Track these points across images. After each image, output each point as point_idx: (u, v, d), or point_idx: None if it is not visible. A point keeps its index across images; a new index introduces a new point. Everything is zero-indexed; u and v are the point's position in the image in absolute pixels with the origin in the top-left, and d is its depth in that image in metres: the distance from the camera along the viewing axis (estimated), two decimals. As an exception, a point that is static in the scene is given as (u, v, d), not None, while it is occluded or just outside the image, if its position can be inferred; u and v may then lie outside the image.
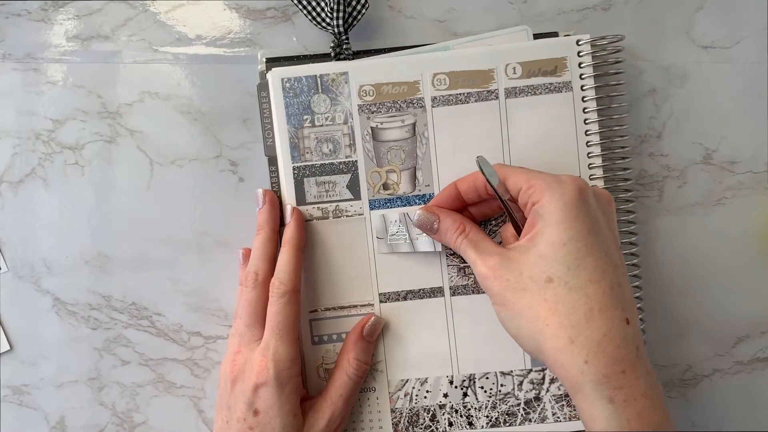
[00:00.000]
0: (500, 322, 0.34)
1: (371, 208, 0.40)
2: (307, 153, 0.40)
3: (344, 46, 0.41)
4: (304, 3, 0.41)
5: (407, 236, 0.40)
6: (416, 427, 0.40)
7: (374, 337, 0.40)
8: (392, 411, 0.40)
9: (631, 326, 0.31)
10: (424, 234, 0.39)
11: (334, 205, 0.40)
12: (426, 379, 0.41)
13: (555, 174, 0.34)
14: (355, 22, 0.41)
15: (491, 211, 0.39)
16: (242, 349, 0.37)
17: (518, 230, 0.35)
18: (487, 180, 0.35)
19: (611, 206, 0.35)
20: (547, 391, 0.40)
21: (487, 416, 0.40)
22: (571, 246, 0.31)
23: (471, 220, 0.38)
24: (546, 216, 0.32)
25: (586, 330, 0.30)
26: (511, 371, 0.40)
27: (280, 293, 0.37)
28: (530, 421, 0.40)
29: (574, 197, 0.32)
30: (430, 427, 0.41)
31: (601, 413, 0.30)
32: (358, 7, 0.40)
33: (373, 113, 0.40)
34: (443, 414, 0.40)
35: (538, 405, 0.40)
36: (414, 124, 0.40)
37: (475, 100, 0.40)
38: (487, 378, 0.40)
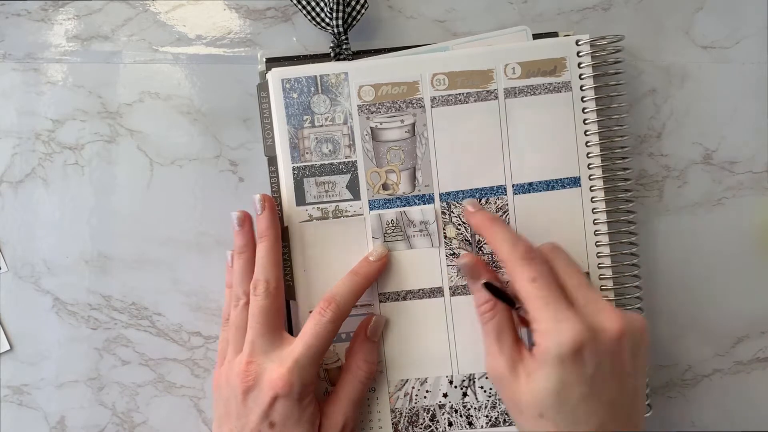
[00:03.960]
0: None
1: (371, 209, 0.40)
2: (307, 153, 0.40)
3: (344, 47, 0.41)
4: (304, 3, 0.41)
5: (404, 234, 0.40)
6: (416, 427, 0.40)
7: (378, 336, 0.40)
8: (392, 411, 0.40)
9: None
10: (420, 231, 0.39)
11: (333, 205, 0.40)
12: (426, 379, 0.40)
13: (560, 314, 0.33)
14: (354, 23, 0.41)
15: None
16: (256, 359, 0.36)
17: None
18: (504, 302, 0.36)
19: (622, 353, 0.33)
20: (547, 391, 0.40)
21: (487, 416, 0.40)
22: (563, 394, 0.32)
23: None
24: (543, 360, 0.33)
25: None
26: (511, 371, 0.40)
27: (334, 318, 0.37)
28: (530, 421, 0.40)
29: (569, 353, 0.32)
30: (430, 427, 0.40)
31: None
32: (358, 7, 0.40)
33: (372, 113, 0.40)
34: (443, 414, 0.40)
35: (538, 405, 0.40)
36: (413, 125, 0.40)
37: (475, 101, 0.40)
38: (486, 378, 0.40)
